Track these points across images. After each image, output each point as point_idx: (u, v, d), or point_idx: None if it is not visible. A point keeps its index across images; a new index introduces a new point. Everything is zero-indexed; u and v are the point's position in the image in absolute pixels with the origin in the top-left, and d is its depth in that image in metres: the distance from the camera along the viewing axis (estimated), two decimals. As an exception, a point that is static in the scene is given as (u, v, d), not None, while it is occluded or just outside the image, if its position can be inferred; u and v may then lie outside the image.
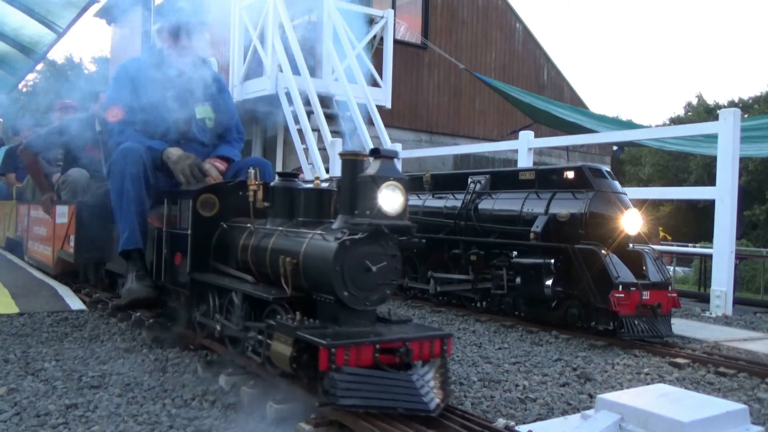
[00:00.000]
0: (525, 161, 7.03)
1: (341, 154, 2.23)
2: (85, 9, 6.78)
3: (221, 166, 3.42)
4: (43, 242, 5.17)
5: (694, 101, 34.65)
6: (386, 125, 8.55)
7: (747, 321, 4.82)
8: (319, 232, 2.25)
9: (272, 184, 2.65)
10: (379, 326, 2.20)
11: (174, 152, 3.28)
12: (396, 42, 9.75)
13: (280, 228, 2.48)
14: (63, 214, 4.43)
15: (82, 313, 3.89)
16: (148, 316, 3.26)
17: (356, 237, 2.10)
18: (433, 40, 11.36)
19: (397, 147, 8.45)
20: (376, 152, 2.14)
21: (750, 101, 30.79)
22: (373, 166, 2.11)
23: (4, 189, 7.87)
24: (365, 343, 1.96)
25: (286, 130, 8.50)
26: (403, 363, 2.01)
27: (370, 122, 8.25)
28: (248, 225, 2.67)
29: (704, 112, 30.66)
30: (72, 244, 4.12)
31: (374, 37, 9.16)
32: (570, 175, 4.06)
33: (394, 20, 9.57)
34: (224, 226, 2.83)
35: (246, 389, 2.24)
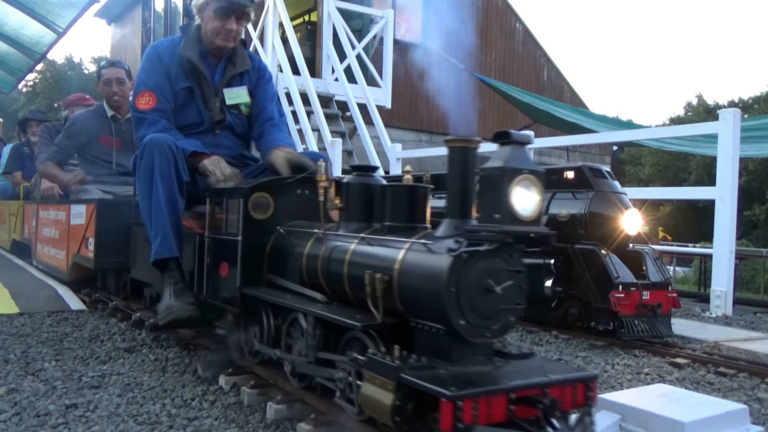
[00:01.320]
0: (525, 161, 7.02)
1: (447, 141, 1.79)
2: (85, 9, 6.78)
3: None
4: (55, 245, 4.69)
5: (694, 101, 34.65)
6: (386, 125, 8.55)
7: (747, 321, 4.82)
8: (419, 241, 1.78)
9: (346, 179, 2.16)
10: (499, 363, 1.72)
11: (212, 166, 2.78)
12: (396, 42, 9.75)
13: (362, 235, 1.99)
14: (80, 214, 3.99)
15: (82, 313, 3.89)
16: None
17: (480, 249, 1.62)
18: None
19: (397, 147, 8.46)
20: (503, 136, 1.63)
21: (750, 101, 30.79)
22: (498, 156, 1.61)
23: (10, 188, 7.45)
24: (497, 392, 1.49)
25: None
26: (544, 417, 1.54)
27: (369, 122, 8.26)
28: (314, 230, 2.22)
29: (704, 112, 30.66)
30: (91, 247, 3.70)
31: (374, 37, 9.16)
32: (570, 175, 4.06)
33: (395, 20, 9.57)
34: (281, 231, 2.37)
35: (246, 389, 2.23)
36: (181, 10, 11.43)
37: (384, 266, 1.80)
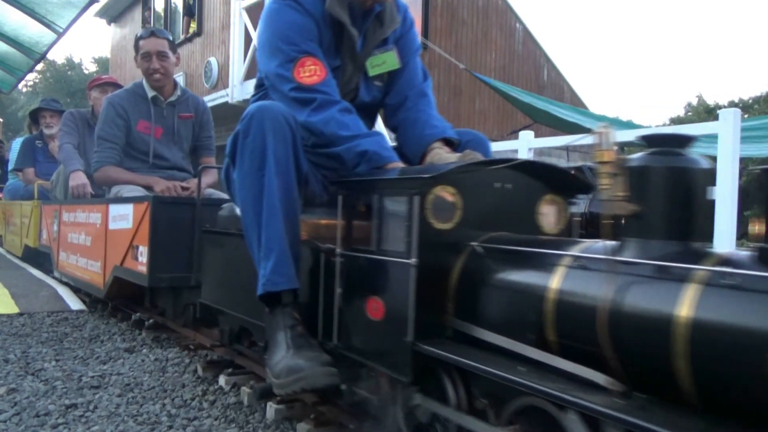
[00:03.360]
0: (525, 161, 7.03)
1: None
2: (85, 9, 6.77)
3: None
4: (86, 255, 3.86)
5: (694, 101, 34.68)
6: (386, 125, 8.56)
7: (747, 321, 4.82)
8: None
9: (641, 161, 1.25)
10: None
11: None
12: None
13: (728, 270, 1.06)
14: (123, 216, 3.21)
15: (82, 313, 3.89)
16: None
17: None
18: (433, 40, 11.37)
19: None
20: None
21: (750, 101, 30.81)
22: None
23: (21, 187, 6.49)
24: None
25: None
26: None
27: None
28: (565, 252, 1.35)
29: (704, 112, 30.66)
30: (142, 258, 2.94)
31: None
32: (570, 175, 4.05)
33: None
34: (477, 248, 1.55)
35: (246, 389, 2.24)
36: (181, 10, 11.45)
37: None
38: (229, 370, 2.46)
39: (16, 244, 6.41)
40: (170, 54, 3.77)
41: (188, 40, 10.55)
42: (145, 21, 12.70)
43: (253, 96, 2.42)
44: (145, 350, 2.98)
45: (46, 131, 6.33)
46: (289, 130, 1.88)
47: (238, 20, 8.90)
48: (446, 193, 1.58)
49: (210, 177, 3.66)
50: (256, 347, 2.32)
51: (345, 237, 1.77)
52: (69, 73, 34.19)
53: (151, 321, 3.34)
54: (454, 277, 1.56)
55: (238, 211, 2.12)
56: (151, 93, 3.74)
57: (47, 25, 7.35)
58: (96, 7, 13.04)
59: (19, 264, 6.06)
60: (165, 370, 2.64)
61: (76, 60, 36.66)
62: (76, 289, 4.45)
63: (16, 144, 6.87)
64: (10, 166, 7.01)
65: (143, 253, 2.95)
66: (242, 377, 2.40)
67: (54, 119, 6.22)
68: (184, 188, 3.45)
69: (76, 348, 3.01)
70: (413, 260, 1.50)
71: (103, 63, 32.00)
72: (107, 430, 1.97)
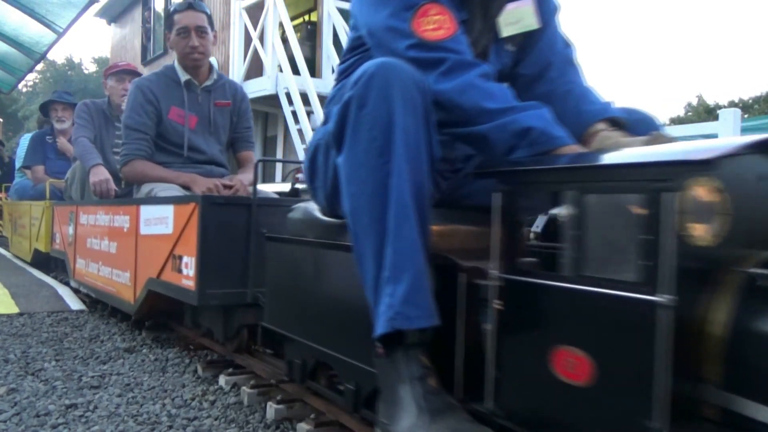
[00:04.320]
0: (525, 161, 7.04)
1: None
2: (85, 9, 6.78)
3: None
4: (110, 263, 3.35)
5: (694, 101, 34.70)
6: (386, 125, 8.56)
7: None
8: None
9: None
10: None
11: None
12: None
13: None
14: (161, 219, 2.69)
15: (82, 313, 3.89)
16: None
17: None
18: (433, 40, 11.37)
19: None
20: None
21: (750, 101, 30.83)
22: None
23: (29, 186, 6.00)
24: None
25: (286, 129, 8.51)
26: None
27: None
28: None
29: (704, 112, 30.68)
30: (188, 271, 2.41)
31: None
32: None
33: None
34: (755, 276, 0.96)
35: (246, 389, 2.24)
36: (181, 10, 11.44)
37: None
38: (229, 370, 2.46)
39: (24, 248, 5.90)
40: (209, 31, 3.29)
41: (188, 40, 10.54)
42: (145, 21, 12.71)
43: (341, 65, 1.81)
44: (145, 350, 2.98)
45: (58, 126, 5.87)
46: (421, 98, 1.32)
47: (238, 20, 8.90)
48: (710, 190, 0.96)
49: (251, 173, 3.16)
50: (337, 388, 1.77)
51: (506, 253, 1.20)
52: (69, 73, 34.21)
53: (151, 321, 3.34)
54: (718, 324, 0.97)
55: (317, 212, 1.73)
56: (184, 76, 3.25)
57: (47, 25, 7.36)
58: (96, 7, 13.05)
59: (19, 264, 6.06)
60: (165, 370, 2.64)
61: (76, 60, 36.71)
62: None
63: (25, 140, 6.41)
64: (18, 164, 6.59)
65: (189, 264, 2.40)
66: (242, 377, 2.40)
67: (66, 113, 5.80)
68: (226, 186, 2.94)
69: (76, 348, 3.01)
70: (665, 298, 0.92)
71: (103, 63, 32.04)
72: (107, 430, 1.97)
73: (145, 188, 3.12)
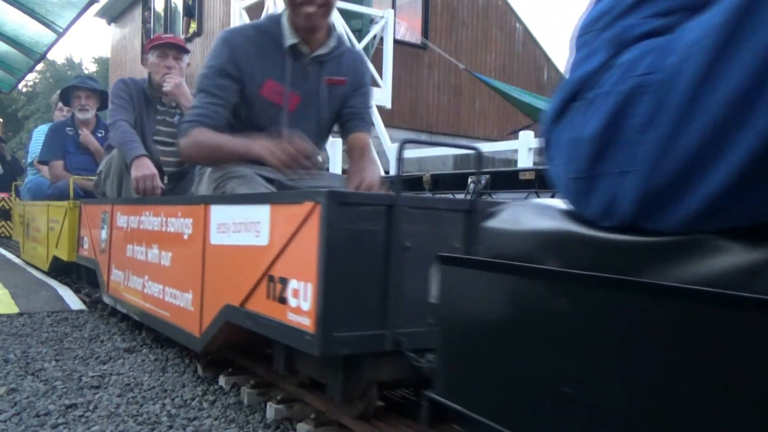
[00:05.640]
0: (525, 161, 7.04)
1: None
2: (85, 9, 6.77)
3: None
4: (162, 279, 2.57)
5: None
6: (386, 125, 8.56)
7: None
8: None
9: None
10: None
11: None
12: (396, 42, 9.76)
13: None
14: (248, 225, 1.89)
15: (82, 313, 3.88)
16: None
17: None
18: (433, 40, 11.37)
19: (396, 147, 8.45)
20: None
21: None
22: None
23: (46, 184, 5.14)
24: None
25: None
26: None
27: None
28: None
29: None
30: (306, 305, 1.57)
31: (374, 37, 9.18)
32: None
33: (395, 20, 9.58)
34: None
35: (246, 389, 2.24)
36: (181, 10, 11.45)
37: None
38: (229, 370, 2.45)
39: (40, 255, 4.99)
40: None
41: (188, 40, 10.55)
42: (145, 21, 12.71)
43: None
44: (145, 350, 2.98)
45: (80, 116, 5.00)
46: None
47: (238, 20, 8.91)
48: None
49: (374, 164, 2.62)
50: None
51: None
52: (69, 73, 34.19)
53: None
54: None
55: (572, 221, 0.98)
56: (290, 39, 2.33)
57: (47, 25, 7.36)
58: (96, 7, 13.06)
59: (19, 264, 6.06)
60: (165, 370, 2.64)
61: (76, 60, 36.70)
62: (77, 289, 4.42)
63: (39, 132, 5.59)
64: (30, 158, 5.79)
65: (303, 293, 1.61)
66: (242, 377, 2.40)
67: (90, 101, 5.03)
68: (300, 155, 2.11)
69: (76, 348, 3.01)
70: None
71: (103, 63, 32.03)
72: (107, 430, 1.97)
73: (214, 175, 2.33)
